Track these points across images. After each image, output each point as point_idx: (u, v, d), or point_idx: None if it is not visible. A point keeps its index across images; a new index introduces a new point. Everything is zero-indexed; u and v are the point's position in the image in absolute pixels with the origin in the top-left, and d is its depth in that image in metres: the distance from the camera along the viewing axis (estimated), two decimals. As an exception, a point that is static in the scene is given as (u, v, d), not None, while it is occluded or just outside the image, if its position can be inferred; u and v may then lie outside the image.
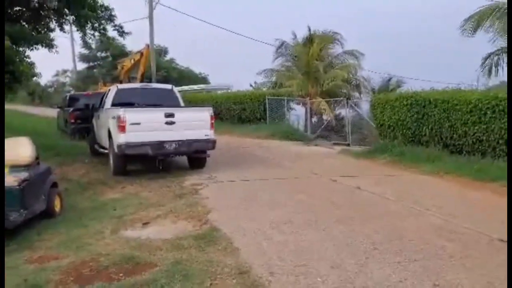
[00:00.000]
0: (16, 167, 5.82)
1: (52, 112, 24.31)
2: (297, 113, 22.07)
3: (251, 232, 5.29)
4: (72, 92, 27.39)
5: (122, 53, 38.90)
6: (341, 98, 19.36)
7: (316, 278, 3.89)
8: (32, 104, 39.38)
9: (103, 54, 42.69)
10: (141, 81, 17.41)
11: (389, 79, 28.88)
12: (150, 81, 19.77)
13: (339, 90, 22.31)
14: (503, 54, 12.78)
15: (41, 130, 16.85)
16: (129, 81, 18.34)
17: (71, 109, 16.40)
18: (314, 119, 21.67)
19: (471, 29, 12.27)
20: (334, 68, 22.86)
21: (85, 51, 41.50)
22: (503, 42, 12.13)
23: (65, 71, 47.25)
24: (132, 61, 19.03)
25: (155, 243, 4.99)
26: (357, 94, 23.85)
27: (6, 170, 5.76)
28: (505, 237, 4.81)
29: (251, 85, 27.89)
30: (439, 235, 5.06)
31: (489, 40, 12.37)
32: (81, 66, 43.30)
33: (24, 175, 5.73)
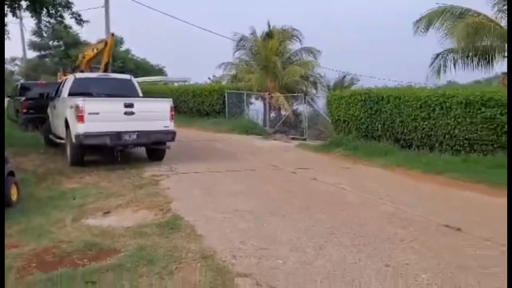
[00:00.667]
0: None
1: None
2: (256, 108, 22.34)
3: (214, 220, 5.43)
4: (23, 81, 26.33)
5: (76, 42, 37.73)
6: (299, 94, 19.75)
7: (277, 260, 4.10)
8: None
9: (56, 43, 41.17)
10: (105, 71, 16.58)
11: (344, 77, 29.71)
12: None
13: (297, 86, 22.71)
14: (450, 55, 13.51)
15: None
16: (91, 71, 17.37)
17: (23, 98, 15.85)
18: (273, 114, 21.97)
19: (423, 29, 12.88)
20: (293, 64, 23.22)
21: (36, 39, 39.86)
22: (450, 44, 12.84)
23: (13, 59, 45.20)
24: (95, 51, 18.34)
25: (118, 231, 5.03)
26: (314, 91, 24.35)
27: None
28: (451, 223, 5.23)
29: (209, 78, 27.86)
30: (391, 222, 5.40)
31: (438, 41, 13.04)
32: (32, 54, 41.61)
33: (-21, 163, 5.59)
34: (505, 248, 4.26)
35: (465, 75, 13.98)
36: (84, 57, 18.86)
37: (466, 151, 9.36)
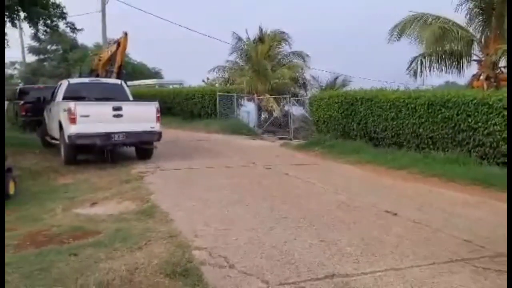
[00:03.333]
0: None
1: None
2: (247, 109, 23.15)
3: (186, 208, 6.23)
4: (22, 85, 27.16)
5: (73, 46, 38.61)
6: (286, 96, 20.55)
7: (232, 238, 4.89)
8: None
9: (54, 47, 42.06)
10: (118, 74, 15.49)
11: (336, 78, 30.42)
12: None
13: (286, 88, 23.49)
14: (425, 58, 14.31)
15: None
16: (107, 75, 16.18)
17: (22, 102, 16.68)
18: (264, 115, 22.77)
19: (396, 35, 13.69)
20: (282, 67, 24.02)
21: (34, 44, 40.73)
22: (420, 49, 13.68)
23: (13, 63, 46.02)
24: (109, 53, 16.91)
25: (101, 217, 5.83)
26: (303, 92, 25.13)
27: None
28: (392, 209, 6.03)
29: (203, 81, 28.65)
30: (340, 208, 6.21)
31: (409, 46, 13.89)
32: (31, 58, 42.48)
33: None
34: (419, 225, 5.10)
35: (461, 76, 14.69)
36: (99, 60, 17.82)
37: (430, 148, 10.15)
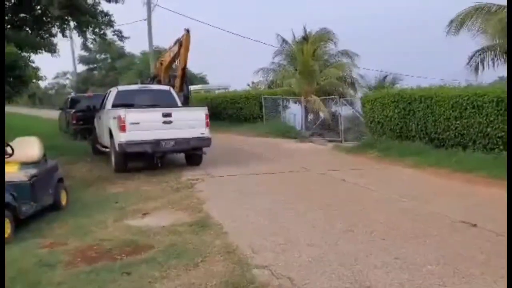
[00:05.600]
0: (26, 164, 6.38)
1: (54, 114, 24.92)
2: (293, 112, 22.70)
3: (240, 219, 5.86)
4: (73, 94, 27.99)
5: (121, 55, 39.57)
6: (335, 96, 19.91)
7: (294, 254, 4.45)
8: (32, 107, 39.91)
9: (103, 56, 43.35)
10: (182, 78, 14.05)
11: (385, 77, 29.42)
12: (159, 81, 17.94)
13: (334, 88, 22.84)
14: (487, 52, 13.32)
15: (45, 131, 17.38)
16: (170, 81, 14.73)
17: (73, 110, 16.98)
18: (310, 117, 22.24)
19: (454, 29, 12.81)
20: (329, 67, 23.39)
21: (84, 53, 42.16)
22: (485, 41, 12.70)
23: (65, 73, 47.96)
24: (171, 55, 15.08)
25: (154, 230, 5.54)
26: (352, 92, 24.37)
27: (17, 167, 6.33)
28: (466, 219, 5.39)
29: (248, 85, 28.49)
30: (408, 219, 5.63)
31: (473, 39, 12.94)
32: (81, 68, 43.98)
33: (33, 171, 6.29)
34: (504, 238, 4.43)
35: None
36: (161, 64, 16.08)
37: (500, 149, 9.28)
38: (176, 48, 14.36)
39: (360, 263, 4.13)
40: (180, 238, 5.11)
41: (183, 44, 13.65)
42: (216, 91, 27.83)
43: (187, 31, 13.52)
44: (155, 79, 15.66)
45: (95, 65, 44.10)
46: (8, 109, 24.20)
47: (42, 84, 43.61)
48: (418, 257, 4.24)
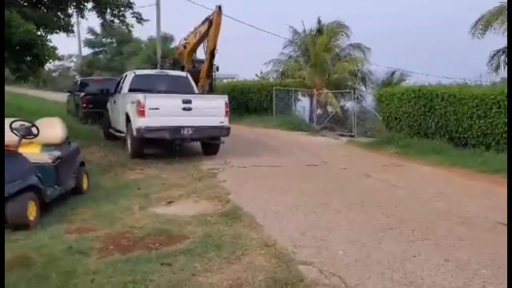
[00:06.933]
0: (49, 146, 6.17)
1: (60, 97, 24.67)
2: (303, 105, 22.47)
3: (271, 212, 5.67)
4: (79, 77, 27.67)
5: (127, 39, 39.08)
6: (348, 90, 19.68)
7: (337, 251, 4.27)
8: (38, 88, 39.52)
9: (108, 40, 42.87)
10: (210, 62, 12.90)
11: (393, 73, 29.15)
12: (161, 68, 16.70)
13: (345, 82, 22.57)
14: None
15: (54, 114, 17.13)
16: (194, 67, 13.79)
17: (83, 93, 16.72)
18: (319, 111, 22.03)
19: (481, 30, 12.57)
20: (341, 60, 23.09)
21: (90, 37, 41.78)
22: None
23: (70, 56, 47.38)
24: (197, 36, 13.69)
25: (183, 219, 5.34)
26: (362, 87, 24.12)
27: (38, 148, 6.12)
28: (506, 221, 5.20)
29: (256, 75, 28.13)
30: (447, 219, 5.44)
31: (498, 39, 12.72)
32: (86, 51, 43.48)
33: (57, 153, 6.08)
34: None
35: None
36: (184, 47, 14.74)
37: (526, 151, 9.10)
38: (203, 29, 13.18)
39: (409, 264, 3.96)
40: (213, 229, 4.92)
41: (213, 22, 12.43)
42: (224, 80, 27.53)
43: (219, 8, 12.38)
44: (176, 64, 14.91)
45: (101, 48, 43.62)
46: (16, 90, 24.00)
47: (46, 66, 43.15)
48: (468, 260, 4.07)
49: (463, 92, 10.56)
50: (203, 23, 13.35)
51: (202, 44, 13.52)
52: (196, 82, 12.51)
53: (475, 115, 10.14)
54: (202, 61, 14.13)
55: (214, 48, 12.91)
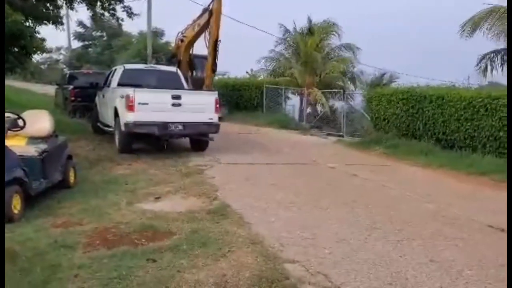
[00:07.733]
0: (35, 139, 6.09)
1: (47, 89, 24.38)
2: (292, 103, 22.49)
3: (259, 209, 5.67)
4: (67, 70, 27.36)
5: (117, 33, 38.71)
6: (338, 90, 19.75)
7: (323, 249, 4.28)
8: (25, 81, 39.00)
9: (98, 34, 42.44)
10: (214, 55, 11.96)
11: (383, 74, 29.33)
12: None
13: (335, 82, 22.67)
14: (498, 55, 13.25)
15: (41, 107, 16.93)
16: (190, 61, 13.27)
17: (71, 86, 16.53)
18: (309, 110, 22.07)
19: (469, 31, 12.69)
20: (331, 60, 23.17)
21: (80, 30, 41.34)
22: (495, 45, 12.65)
23: (59, 48, 46.79)
24: (196, 28, 12.81)
25: (170, 215, 5.32)
26: (351, 87, 24.24)
27: (24, 141, 6.03)
28: (495, 224, 5.27)
29: (247, 72, 28.06)
30: (435, 220, 5.49)
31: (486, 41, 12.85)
32: (76, 44, 43.00)
33: (43, 146, 6.00)
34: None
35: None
36: (182, 41, 13.92)
37: None
38: (203, 20, 12.49)
39: (395, 264, 3.98)
40: (200, 225, 4.90)
41: (214, 11, 11.67)
42: (216, 77, 27.40)
43: None
44: (173, 59, 14.39)
45: (91, 42, 43.16)
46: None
47: (34, 58, 42.59)
48: (453, 261, 4.11)
49: (451, 94, 10.66)
50: (201, 14, 12.75)
51: (202, 36, 12.84)
52: (201, 84, 12.43)
53: (463, 118, 10.25)
54: (200, 57, 13.78)
55: (217, 38, 11.99)
